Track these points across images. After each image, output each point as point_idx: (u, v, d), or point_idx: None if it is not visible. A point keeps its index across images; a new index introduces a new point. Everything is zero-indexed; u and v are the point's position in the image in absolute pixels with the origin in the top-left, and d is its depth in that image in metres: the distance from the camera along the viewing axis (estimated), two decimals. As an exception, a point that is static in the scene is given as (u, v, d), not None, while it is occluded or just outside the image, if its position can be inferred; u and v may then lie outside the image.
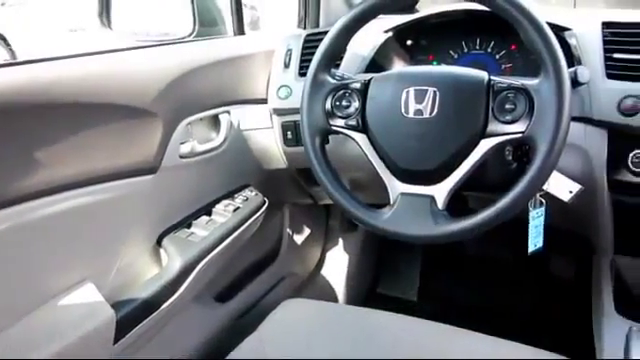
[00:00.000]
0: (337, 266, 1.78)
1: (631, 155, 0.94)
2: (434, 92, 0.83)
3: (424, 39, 1.27)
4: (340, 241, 1.82)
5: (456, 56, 1.24)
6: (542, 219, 0.96)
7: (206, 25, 1.30)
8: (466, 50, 1.22)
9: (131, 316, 0.93)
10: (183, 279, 1.03)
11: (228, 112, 1.20)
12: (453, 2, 1.15)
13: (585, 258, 1.29)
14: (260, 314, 1.02)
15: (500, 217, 0.78)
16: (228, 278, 1.38)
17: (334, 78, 0.94)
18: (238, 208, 1.18)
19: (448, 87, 0.83)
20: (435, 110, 0.82)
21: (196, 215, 1.14)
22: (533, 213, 0.95)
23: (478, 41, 1.21)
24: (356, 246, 1.82)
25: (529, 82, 0.78)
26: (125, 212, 0.96)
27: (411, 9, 1.25)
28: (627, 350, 0.81)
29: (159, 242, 1.06)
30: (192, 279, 1.04)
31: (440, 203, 0.83)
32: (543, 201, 0.95)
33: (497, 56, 1.19)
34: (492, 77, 0.83)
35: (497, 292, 1.82)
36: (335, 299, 1.74)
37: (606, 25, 1.00)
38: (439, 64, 1.25)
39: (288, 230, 1.62)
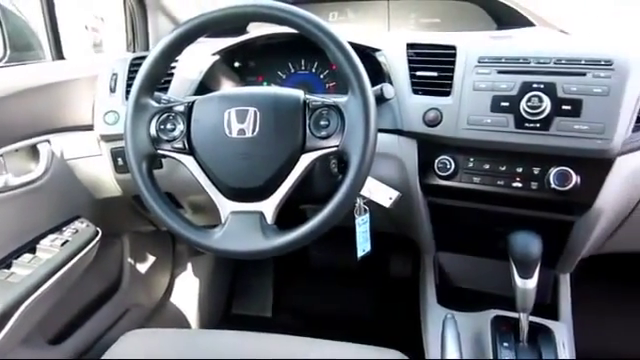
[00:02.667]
0: (187, 291, 1.74)
1: (436, 161, 1.04)
2: (255, 112, 0.85)
3: (252, 61, 1.31)
4: (189, 265, 1.78)
5: (284, 76, 1.29)
6: (368, 225, 1.03)
7: (19, 50, 1.22)
8: (293, 70, 1.29)
9: None
10: (3, 324, 0.94)
11: (48, 141, 1.13)
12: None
13: (417, 257, 1.41)
14: (102, 351, 0.96)
15: (324, 226, 0.82)
16: (63, 317, 1.28)
17: (158, 102, 0.93)
18: (67, 242, 1.12)
19: (268, 107, 0.86)
20: (257, 129, 0.85)
21: (17, 254, 1.05)
22: (359, 220, 1.02)
23: (303, 62, 1.28)
24: (207, 269, 1.80)
25: (340, 100, 0.84)
26: None
27: (240, 32, 1.28)
28: (443, 335, 0.90)
29: None
30: (15, 323, 0.95)
31: (269, 218, 0.86)
32: (367, 208, 1.02)
33: (321, 75, 1.27)
34: (307, 96, 0.87)
35: (345, 298, 1.91)
36: (187, 326, 1.70)
37: (410, 46, 1.11)
38: (269, 84, 1.29)
39: (129, 260, 1.55)
